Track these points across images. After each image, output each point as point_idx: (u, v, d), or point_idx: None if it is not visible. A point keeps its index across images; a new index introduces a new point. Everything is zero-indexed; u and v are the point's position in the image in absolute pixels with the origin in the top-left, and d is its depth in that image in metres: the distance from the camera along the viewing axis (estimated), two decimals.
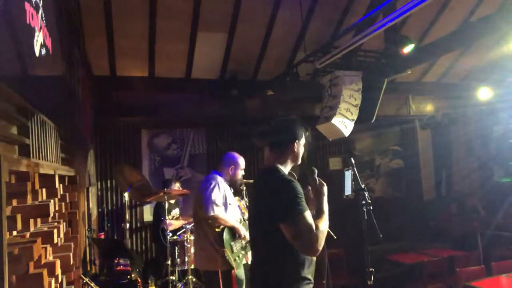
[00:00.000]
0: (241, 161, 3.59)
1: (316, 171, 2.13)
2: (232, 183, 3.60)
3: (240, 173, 3.58)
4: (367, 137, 7.60)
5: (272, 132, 2.15)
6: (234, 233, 3.35)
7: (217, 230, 3.28)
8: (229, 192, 3.52)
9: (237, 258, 3.31)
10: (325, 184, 2.07)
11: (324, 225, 1.85)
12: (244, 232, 3.39)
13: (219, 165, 3.59)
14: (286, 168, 2.07)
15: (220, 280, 3.18)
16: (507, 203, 6.13)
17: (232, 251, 3.27)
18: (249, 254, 3.44)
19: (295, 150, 2.05)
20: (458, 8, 5.62)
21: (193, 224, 4.64)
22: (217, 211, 3.27)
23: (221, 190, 3.36)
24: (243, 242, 3.43)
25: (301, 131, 2.09)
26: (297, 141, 2.05)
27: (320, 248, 1.80)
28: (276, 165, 2.03)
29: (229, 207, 3.41)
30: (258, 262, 2.03)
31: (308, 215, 1.80)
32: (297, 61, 5.27)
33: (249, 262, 3.30)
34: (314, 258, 1.98)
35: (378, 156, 7.88)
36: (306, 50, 5.08)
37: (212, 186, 3.34)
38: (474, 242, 5.39)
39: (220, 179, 3.45)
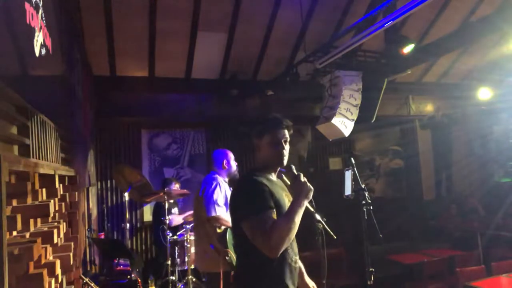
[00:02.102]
0: (230, 152, 3.59)
1: (293, 167, 1.97)
2: (232, 177, 3.59)
3: (234, 163, 3.57)
4: (367, 137, 7.61)
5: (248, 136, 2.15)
6: None
7: (218, 230, 3.27)
8: (229, 192, 3.51)
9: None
10: (304, 185, 1.85)
11: (284, 224, 1.71)
12: None
13: (212, 165, 3.57)
14: (266, 170, 1.98)
15: (221, 281, 3.17)
16: (507, 203, 6.12)
17: (234, 251, 3.27)
18: None
19: (259, 149, 1.98)
20: (458, 8, 5.62)
21: (193, 224, 4.64)
22: (219, 211, 3.26)
23: (222, 190, 3.35)
24: None
25: (262, 129, 1.96)
26: (256, 140, 1.97)
27: (278, 249, 1.69)
28: (253, 168, 2.03)
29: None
30: (237, 265, 2.04)
31: (265, 214, 1.73)
32: (297, 61, 5.27)
33: None
34: (295, 266, 1.92)
35: (378, 156, 7.88)
36: (306, 50, 5.08)
37: (213, 186, 3.33)
38: (474, 242, 5.39)
39: (220, 179, 3.44)
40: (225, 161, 3.51)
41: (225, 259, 3.18)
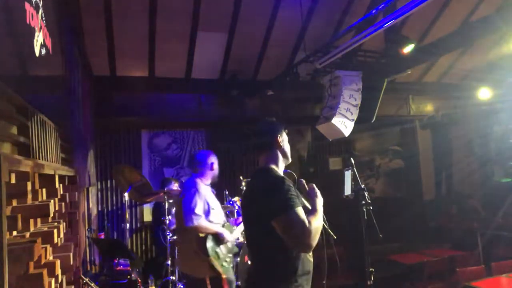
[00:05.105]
0: (214, 154, 3.49)
1: (302, 180, 2.17)
2: (213, 181, 3.47)
3: (217, 166, 3.47)
4: (367, 137, 7.61)
5: (255, 136, 2.18)
6: (218, 238, 3.25)
7: (200, 235, 3.18)
8: (211, 196, 3.38)
9: (224, 263, 3.23)
10: (314, 186, 2.09)
11: (317, 222, 1.84)
12: (229, 236, 3.30)
13: (196, 167, 3.42)
14: (280, 167, 2.09)
15: (209, 286, 3.12)
16: (507, 203, 6.12)
17: (218, 257, 3.19)
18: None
19: (281, 145, 2.08)
20: (458, 8, 5.62)
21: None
22: (197, 221, 3.13)
23: (201, 196, 3.22)
24: (229, 245, 3.34)
25: (279, 128, 2.14)
26: (279, 135, 2.09)
27: (313, 243, 1.79)
28: (268, 165, 2.05)
29: (212, 212, 3.28)
30: (253, 263, 2.04)
31: (299, 210, 1.80)
32: (297, 61, 5.27)
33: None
34: (310, 267, 1.94)
35: (378, 156, 7.88)
36: (306, 50, 5.08)
37: (191, 194, 3.19)
38: (474, 242, 5.39)
39: (200, 184, 3.31)
40: (214, 165, 3.41)
41: (210, 265, 3.11)
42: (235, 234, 3.50)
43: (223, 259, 3.24)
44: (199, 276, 3.18)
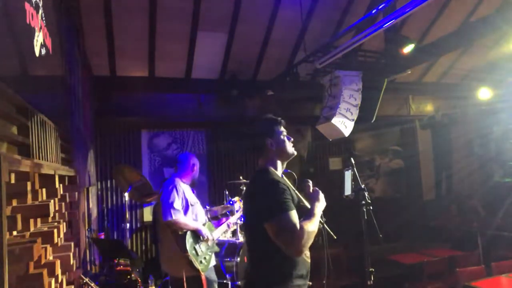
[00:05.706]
0: (195, 157, 3.59)
1: (309, 181, 2.12)
2: (193, 182, 3.55)
3: (197, 168, 3.58)
4: (367, 137, 7.61)
5: (247, 138, 2.17)
6: (198, 236, 3.28)
7: (180, 233, 3.22)
8: (190, 193, 3.43)
9: (203, 260, 3.25)
10: (318, 190, 2.04)
11: (310, 226, 1.81)
12: (208, 233, 3.33)
13: (177, 167, 3.52)
14: (278, 167, 2.05)
15: (185, 286, 3.13)
16: (507, 203, 6.12)
17: (197, 254, 3.22)
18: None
19: (272, 148, 2.03)
20: (458, 8, 5.62)
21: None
22: (176, 216, 3.18)
23: (179, 193, 3.28)
24: (209, 243, 3.37)
25: (271, 126, 2.08)
26: (269, 138, 2.03)
27: (304, 248, 1.77)
28: (266, 166, 2.02)
29: (191, 209, 3.33)
30: (250, 264, 2.03)
31: (292, 214, 1.78)
32: (297, 61, 5.27)
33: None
34: (307, 267, 1.93)
35: (378, 156, 7.88)
36: (306, 50, 5.08)
37: (169, 190, 3.26)
38: (474, 242, 5.39)
39: (178, 182, 3.38)
40: (195, 167, 3.49)
41: (189, 262, 3.13)
42: (216, 234, 3.54)
43: (202, 257, 3.26)
44: (178, 275, 3.19)
